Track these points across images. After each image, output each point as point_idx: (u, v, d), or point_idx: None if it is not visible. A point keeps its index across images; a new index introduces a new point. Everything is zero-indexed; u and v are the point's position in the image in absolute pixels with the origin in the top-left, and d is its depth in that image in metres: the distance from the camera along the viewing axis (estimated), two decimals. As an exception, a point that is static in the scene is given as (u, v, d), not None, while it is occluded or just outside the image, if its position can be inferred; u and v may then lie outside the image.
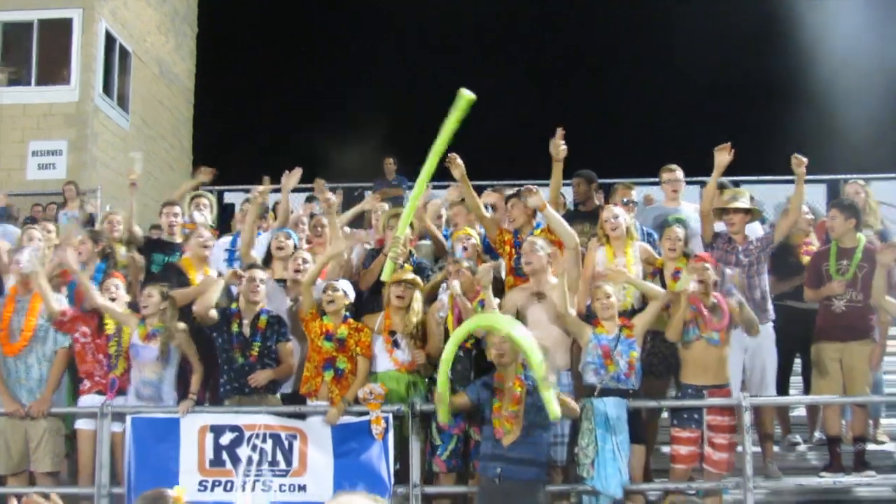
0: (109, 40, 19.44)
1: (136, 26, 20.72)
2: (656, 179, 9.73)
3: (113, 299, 7.58)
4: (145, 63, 21.14)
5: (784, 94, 25.00)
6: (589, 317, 7.49)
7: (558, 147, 7.64)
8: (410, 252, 8.15)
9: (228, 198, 16.27)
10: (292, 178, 8.99)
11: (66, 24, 18.79)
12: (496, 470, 6.57)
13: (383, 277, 7.44)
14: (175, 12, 22.90)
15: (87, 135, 18.56)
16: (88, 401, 7.52)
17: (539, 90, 29.43)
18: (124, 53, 20.15)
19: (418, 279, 7.52)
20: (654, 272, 7.91)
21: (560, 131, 7.64)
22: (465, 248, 7.87)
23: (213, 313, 7.35)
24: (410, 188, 13.23)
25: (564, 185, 8.46)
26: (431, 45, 28.32)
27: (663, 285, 7.63)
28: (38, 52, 18.88)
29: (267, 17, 28.18)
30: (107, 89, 19.41)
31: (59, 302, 7.65)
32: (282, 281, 8.08)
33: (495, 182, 11.80)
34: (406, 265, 7.83)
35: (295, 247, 8.30)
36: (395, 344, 7.38)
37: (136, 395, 7.48)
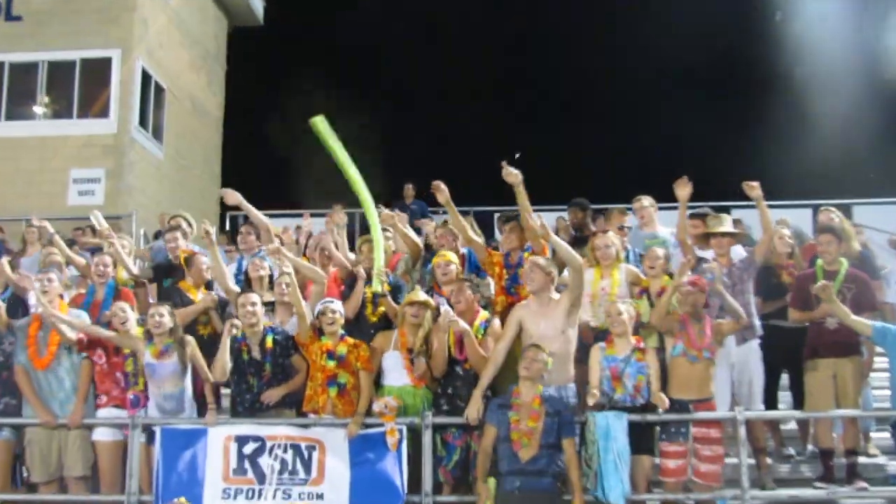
0: (146, 77, 19.82)
1: (171, 65, 21.11)
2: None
3: (123, 322, 7.56)
4: (178, 98, 21.50)
5: (772, 125, 25.14)
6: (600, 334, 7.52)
7: (511, 174, 7.73)
8: (386, 273, 8.22)
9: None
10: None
11: (105, 63, 19.21)
12: (515, 483, 6.57)
13: (374, 289, 7.82)
14: (206, 52, 23.27)
15: (125, 164, 18.88)
16: (106, 413, 7.51)
17: (536, 123, 29.63)
18: (159, 89, 20.53)
19: (430, 301, 7.50)
20: (641, 292, 7.91)
21: (504, 162, 7.75)
22: (444, 274, 7.98)
23: (228, 368, 7.36)
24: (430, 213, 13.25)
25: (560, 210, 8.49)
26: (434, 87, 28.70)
27: (651, 305, 7.70)
28: (80, 88, 19.27)
29: (289, 52, 28.57)
30: (143, 122, 19.74)
31: (78, 323, 7.66)
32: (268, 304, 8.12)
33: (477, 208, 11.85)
34: (385, 285, 7.94)
35: (271, 271, 8.45)
36: (412, 361, 7.35)
37: (158, 409, 7.43)
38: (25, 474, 7.78)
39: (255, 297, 7.59)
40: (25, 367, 7.50)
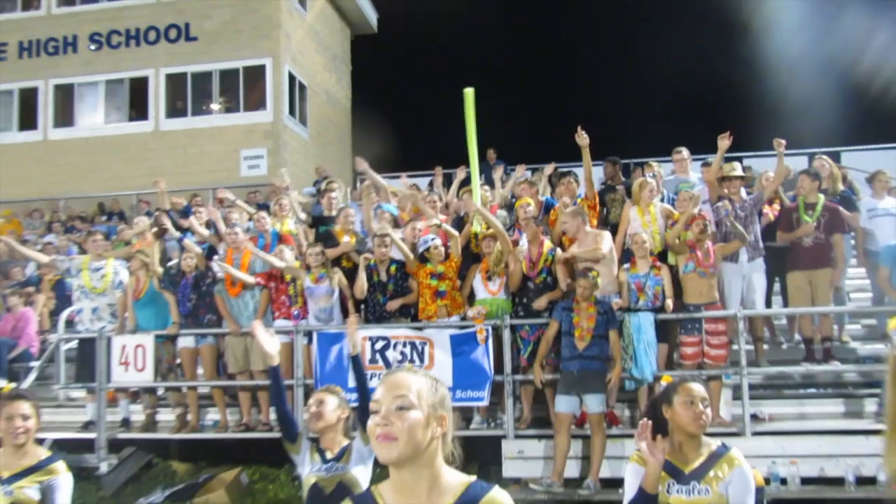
0: (291, 78, 20.17)
1: (309, 68, 21.39)
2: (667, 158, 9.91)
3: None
4: (316, 93, 21.83)
5: (773, 90, 24.56)
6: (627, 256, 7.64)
7: (582, 138, 7.85)
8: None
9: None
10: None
11: (261, 69, 19.66)
12: (575, 366, 6.89)
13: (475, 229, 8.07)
14: (335, 56, 23.50)
15: (280, 144, 19.36)
16: (279, 323, 8.03)
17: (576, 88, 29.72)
18: (301, 87, 20.86)
19: (494, 231, 7.71)
20: (673, 223, 7.83)
21: (580, 127, 7.83)
22: (526, 213, 8.04)
23: (365, 288, 7.80)
24: (510, 169, 13.35)
25: (596, 165, 8.60)
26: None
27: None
28: (244, 88, 19.77)
29: (397, 53, 28.98)
30: (292, 112, 20.16)
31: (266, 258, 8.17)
32: None
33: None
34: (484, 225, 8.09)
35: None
36: (489, 278, 7.71)
37: (315, 319, 7.97)
38: (224, 368, 8.50)
39: (388, 238, 7.85)
40: (221, 295, 8.20)
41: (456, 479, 2.07)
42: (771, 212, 8.48)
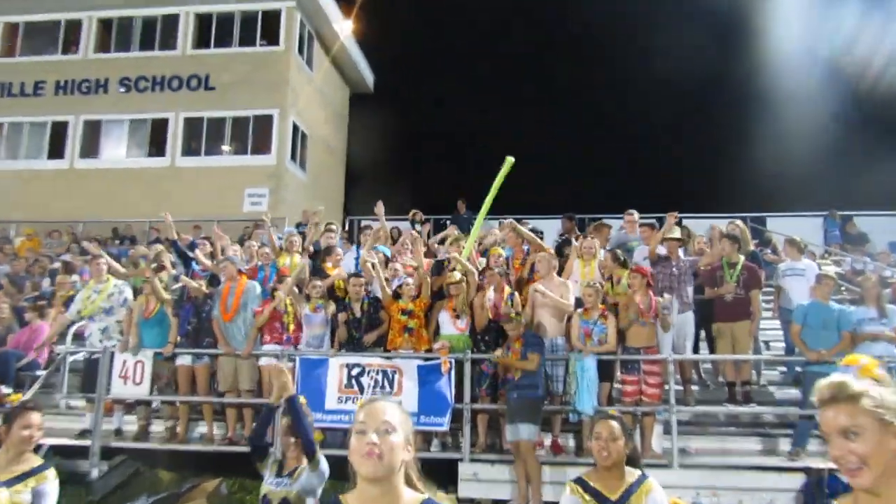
0: (295, 128, 19.92)
1: (311, 119, 21.14)
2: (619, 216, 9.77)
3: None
4: (315, 141, 21.55)
5: (717, 157, 24.82)
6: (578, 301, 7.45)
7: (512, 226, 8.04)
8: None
9: (362, 224, 15.96)
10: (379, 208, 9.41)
11: (269, 118, 19.39)
12: (513, 394, 6.63)
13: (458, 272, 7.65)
14: (335, 111, 23.37)
15: (282, 185, 19.04)
16: (268, 348, 7.69)
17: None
18: (304, 136, 20.60)
19: (465, 278, 7.59)
20: (608, 278, 7.84)
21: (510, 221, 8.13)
22: (496, 263, 8.01)
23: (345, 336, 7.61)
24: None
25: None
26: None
27: (612, 286, 7.64)
28: (253, 135, 19.44)
29: (391, 111, 29.00)
30: (293, 157, 19.86)
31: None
32: None
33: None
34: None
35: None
36: (458, 317, 7.48)
37: (307, 344, 7.64)
38: (216, 385, 8.01)
39: (361, 281, 7.75)
40: (217, 319, 7.78)
41: (412, 496, 2.03)
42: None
